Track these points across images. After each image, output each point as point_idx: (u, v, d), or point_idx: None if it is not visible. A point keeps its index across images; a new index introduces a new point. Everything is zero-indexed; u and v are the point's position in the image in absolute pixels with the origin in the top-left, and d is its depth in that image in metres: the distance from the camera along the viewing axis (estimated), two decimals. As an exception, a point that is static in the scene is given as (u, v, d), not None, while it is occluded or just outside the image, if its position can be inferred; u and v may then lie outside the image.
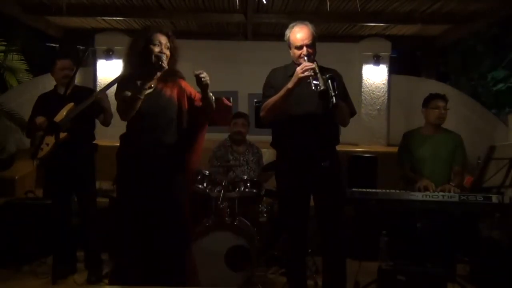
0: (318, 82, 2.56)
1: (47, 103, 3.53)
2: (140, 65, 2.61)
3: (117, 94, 2.64)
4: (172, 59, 2.71)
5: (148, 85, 2.59)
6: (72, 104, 3.40)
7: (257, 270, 3.56)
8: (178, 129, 2.69)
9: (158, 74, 2.61)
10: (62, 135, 3.36)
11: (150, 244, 2.60)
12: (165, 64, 2.58)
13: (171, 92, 2.69)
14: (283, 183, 2.93)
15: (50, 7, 5.19)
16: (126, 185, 2.71)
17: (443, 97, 3.64)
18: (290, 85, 2.64)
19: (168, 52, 2.67)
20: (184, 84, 2.76)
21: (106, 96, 3.45)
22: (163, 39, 2.67)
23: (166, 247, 2.61)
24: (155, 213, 2.60)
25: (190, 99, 2.73)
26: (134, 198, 2.63)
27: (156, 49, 2.61)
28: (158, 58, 2.57)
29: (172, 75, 2.73)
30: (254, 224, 3.67)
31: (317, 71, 2.60)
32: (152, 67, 2.57)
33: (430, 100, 3.64)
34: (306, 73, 2.58)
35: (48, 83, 5.38)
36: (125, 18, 5.93)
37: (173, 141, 2.66)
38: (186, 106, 2.72)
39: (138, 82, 2.55)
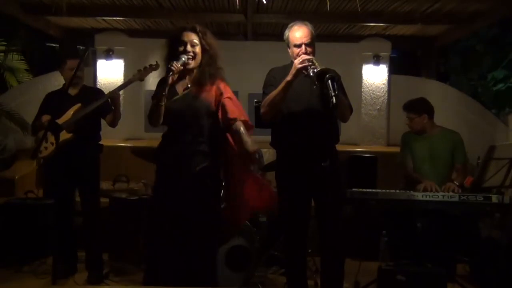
0: (316, 70, 2.56)
1: (55, 102, 3.52)
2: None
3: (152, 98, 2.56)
4: (206, 57, 2.54)
5: (183, 88, 2.51)
6: (79, 105, 3.40)
7: (257, 270, 3.56)
8: (211, 133, 2.54)
9: (174, 76, 2.49)
10: (68, 135, 3.37)
11: (182, 247, 2.50)
12: (175, 66, 2.42)
13: (206, 94, 2.52)
14: (283, 183, 2.93)
15: (50, 7, 5.18)
16: (160, 189, 2.59)
17: (406, 108, 3.68)
18: (289, 77, 2.65)
19: (197, 50, 2.52)
20: (223, 86, 2.56)
21: (119, 95, 3.46)
22: (190, 36, 2.52)
23: (199, 251, 2.51)
24: (188, 216, 2.50)
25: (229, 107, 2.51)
26: (168, 202, 2.52)
27: (181, 49, 2.48)
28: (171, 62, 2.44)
29: (207, 76, 2.54)
30: (254, 224, 3.67)
31: (315, 62, 2.60)
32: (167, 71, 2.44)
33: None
34: (304, 63, 2.59)
35: (48, 83, 5.42)
36: (125, 18, 5.94)
37: (204, 145, 2.51)
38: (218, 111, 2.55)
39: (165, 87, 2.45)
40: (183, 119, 2.51)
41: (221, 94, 2.52)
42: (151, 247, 2.60)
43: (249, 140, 2.43)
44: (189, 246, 2.51)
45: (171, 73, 2.42)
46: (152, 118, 2.52)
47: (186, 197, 2.49)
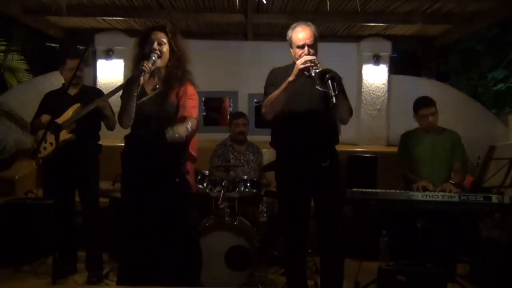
0: (318, 70, 2.56)
1: (54, 102, 3.52)
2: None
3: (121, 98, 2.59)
4: (173, 57, 2.57)
5: (151, 87, 2.52)
6: (79, 105, 3.40)
7: (257, 270, 3.56)
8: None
9: (146, 76, 2.48)
10: (68, 136, 3.37)
11: (155, 244, 2.55)
12: (146, 66, 2.43)
13: (175, 96, 2.57)
14: (283, 183, 2.93)
15: (50, 7, 5.19)
16: (129, 186, 2.65)
17: (429, 103, 3.61)
18: (291, 77, 2.65)
19: (164, 49, 2.54)
20: (190, 89, 2.60)
21: (108, 103, 3.45)
22: (158, 35, 2.55)
23: (171, 247, 2.56)
24: (158, 213, 2.56)
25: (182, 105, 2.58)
26: (137, 199, 2.58)
27: (148, 47, 2.51)
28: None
29: (175, 77, 2.57)
30: (254, 224, 3.67)
31: (317, 62, 2.60)
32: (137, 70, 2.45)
33: (417, 108, 3.63)
34: (306, 64, 2.59)
35: (48, 83, 5.41)
36: (125, 18, 5.94)
37: (174, 144, 2.53)
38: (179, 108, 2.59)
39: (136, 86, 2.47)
40: (152, 120, 2.53)
41: (186, 95, 2.57)
42: (126, 245, 2.65)
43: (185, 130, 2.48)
44: (160, 240, 2.55)
45: (143, 73, 2.43)
46: (123, 118, 2.54)
47: (157, 196, 2.54)
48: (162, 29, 2.58)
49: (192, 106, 2.57)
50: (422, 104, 3.62)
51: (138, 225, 2.57)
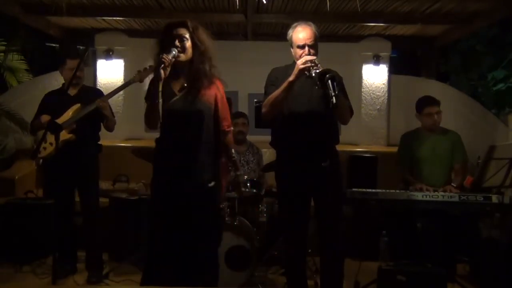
0: (319, 70, 2.56)
1: (54, 102, 3.51)
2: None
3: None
4: (197, 52, 2.46)
5: (179, 87, 2.45)
6: (79, 105, 3.40)
7: (257, 270, 3.56)
8: (214, 134, 2.50)
9: (167, 71, 2.34)
10: (68, 136, 3.37)
11: (183, 245, 2.48)
12: (166, 58, 2.30)
13: (206, 94, 2.47)
14: (283, 183, 2.93)
15: (50, 7, 5.18)
16: (159, 188, 2.54)
17: (433, 102, 3.61)
18: (291, 77, 2.65)
19: (187, 44, 2.43)
20: (220, 86, 2.55)
21: (108, 104, 3.45)
22: (179, 31, 2.44)
23: (199, 248, 2.49)
24: (187, 217, 2.47)
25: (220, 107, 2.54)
26: (167, 201, 2.49)
27: (170, 44, 2.40)
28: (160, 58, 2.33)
29: (203, 73, 2.47)
30: (254, 224, 3.67)
31: (317, 62, 2.61)
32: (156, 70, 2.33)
33: (422, 107, 3.63)
34: (307, 64, 2.59)
35: (48, 83, 5.41)
36: (125, 18, 5.94)
37: (204, 144, 2.47)
38: (217, 112, 2.53)
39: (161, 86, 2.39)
40: (184, 121, 2.44)
41: (219, 95, 2.52)
42: (152, 247, 2.57)
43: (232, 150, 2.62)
44: (190, 247, 2.49)
45: (162, 65, 2.30)
46: (149, 119, 2.47)
47: (189, 201, 2.46)
48: (183, 24, 2.47)
49: (225, 114, 2.57)
50: (427, 102, 3.62)
51: (166, 227, 2.48)
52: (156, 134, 2.62)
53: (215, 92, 2.51)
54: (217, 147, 2.53)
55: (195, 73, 2.46)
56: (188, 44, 2.46)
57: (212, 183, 2.50)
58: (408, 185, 3.56)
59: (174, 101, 2.47)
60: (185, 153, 2.45)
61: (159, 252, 2.51)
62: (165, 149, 2.52)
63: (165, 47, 2.41)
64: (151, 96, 2.41)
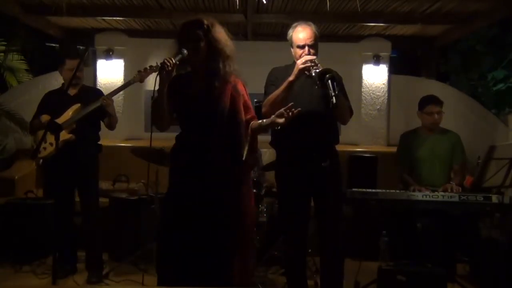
0: (318, 70, 2.56)
1: (54, 102, 3.52)
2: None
3: None
4: (211, 52, 2.39)
5: (194, 88, 2.39)
6: (79, 105, 3.40)
7: (257, 270, 3.56)
8: (229, 133, 2.41)
9: (170, 72, 2.32)
10: (67, 136, 3.37)
11: (198, 243, 2.38)
12: (167, 62, 2.29)
13: (221, 94, 2.39)
14: (283, 183, 2.93)
15: (50, 7, 5.18)
16: (177, 185, 2.48)
17: (436, 101, 3.61)
18: (291, 78, 2.65)
19: (201, 44, 2.37)
20: (240, 87, 2.46)
21: (112, 101, 3.45)
22: (194, 31, 2.37)
23: (215, 247, 2.39)
24: (204, 213, 2.38)
25: (244, 107, 2.46)
26: (184, 199, 2.41)
27: (184, 45, 2.34)
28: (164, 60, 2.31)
29: (216, 73, 2.40)
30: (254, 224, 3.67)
31: (317, 62, 2.61)
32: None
33: (424, 104, 3.62)
34: (307, 64, 2.59)
35: (48, 83, 5.41)
36: (125, 18, 5.93)
37: (221, 145, 2.38)
38: (239, 109, 2.43)
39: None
40: (199, 121, 2.40)
41: (239, 94, 2.44)
42: (166, 247, 2.47)
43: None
44: (207, 246, 2.38)
45: (163, 69, 2.28)
46: (157, 121, 2.43)
47: (207, 199, 2.38)
48: (197, 24, 2.40)
49: (250, 108, 2.50)
50: (430, 101, 3.62)
51: (182, 225, 2.39)
52: (158, 135, 2.60)
53: (230, 92, 2.43)
54: (235, 146, 2.42)
55: (209, 73, 2.42)
56: (202, 44, 2.38)
57: (223, 188, 2.40)
58: (406, 185, 3.56)
59: (189, 101, 2.43)
60: (199, 153, 2.40)
61: (171, 251, 2.42)
62: (180, 148, 2.48)
63: (181, 47, 2.37)
64: (156, 98, 2.37)
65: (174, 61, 2.31)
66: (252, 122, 2.47)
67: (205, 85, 2.41)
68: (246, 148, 2.42)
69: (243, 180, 2.48)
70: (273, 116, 2.36)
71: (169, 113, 2.45)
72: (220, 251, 2.40)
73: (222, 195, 2.39)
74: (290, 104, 2.32)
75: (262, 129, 2.46)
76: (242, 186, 2.47)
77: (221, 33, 2.45)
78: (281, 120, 2.32)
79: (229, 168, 2.40)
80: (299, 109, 2.34)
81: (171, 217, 2.45)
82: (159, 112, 2.40)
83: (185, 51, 2.34)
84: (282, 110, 2.33)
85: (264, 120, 2.44)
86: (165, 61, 2.30)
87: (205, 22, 2.41)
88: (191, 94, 2.44)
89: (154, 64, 3.07)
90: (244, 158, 2.40)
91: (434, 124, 3.60)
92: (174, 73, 2.39)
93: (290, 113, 2.30)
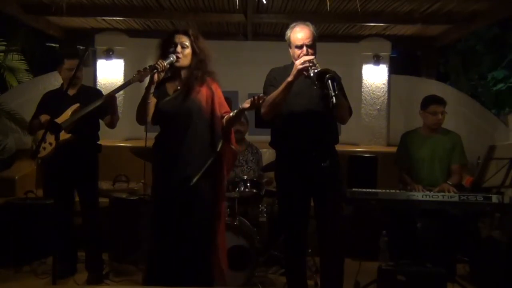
0: (317, 70, 2.56)
1: (53, 102, 3.51)
2: None
3: None
4: (195, 60, 2.65)
5: (173, 89, 2.63)
6: (78, 105, 3.40)
7: (257, 270, 3.56)
8: (203, 131, 2.61)
9: (161, 74, 2.57)
10: (66, 136, 3.37)
11: (177, 245, 2.56)
12: (160, 64, 2.50)
13: (196, 95, 2.62)
14: (283, 183, 2.93)
15: (50, 7, 5.19)
16: (156, 185, 2.69)
17: (440, 101, 3.60)
18: (290, 78, 2.65)
19: (186, 52, 2.62)
20: (215, 87, 2.68)
21: (115, 98, 3.47)
22: (181, 39, 2.63)
23: (193, 249, 2.57)
24: (182, 215, 2.56)
25: (219, 104, 2.67)
26: (160, 198, 2.64)
27: (171, 50, 2.59)
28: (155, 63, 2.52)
29: (195, 77, 2.64)
30: (254, 224, 3.67)
31: (316, 62, 2.60)
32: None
33: (428, 104, 3.61)
34: (305, 64, 2.59)
35: (48, 83, 5.42)
36: (125, 18, 5.94)
37: (197, 143, 2.59)
38: (213, 106, 2.65)
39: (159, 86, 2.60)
40: (175, 119, 2.61)
41: (213, 94, 2.65)
42: (153, 248, 2.65)
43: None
44: (187, 247, 2.55)
45: (155, 70, 2.49)
46: (138, 115, 2.66)
47: (183, 196, 2.55)
48: (185, 32, 2.66)
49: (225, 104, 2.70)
50: (435, 100, 3.61)
51: (164, 225, 2.59)
52: (155, 134, 2.74)
53: (205, 90, 2.65)
54: (211, 144, 2.62)
55: (188, 77, 2.65)
56: (188, 51, 2.64)
57: (196, 179, 2.56)
58: (405, 185, 3.56)
59: (166, 101, 2.66)
60: (174, 150, 2.59)
61: (155, 251, 2.61)
62: (159, 146, 2.69)
63: (165, 52, 2.61)
64: (143, 96, 2.60)
65: (165, 64, 2.54)
66: (226, 116, 2.66)
67: (184, 87, 2.65)
68: (221, 140, 2.62)
69: (218, 169, 2.66)
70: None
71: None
72: (198, 235, 2.58)
73: (197, 183, 2.56)
74: (260, 95, 2.48)
75: (233, 118, 2.64)
76: (217, 173, 2.67)
77: (203, 43, 2.72)
78: (247, 105, 2.50)
79: (204, 160, 2.59)
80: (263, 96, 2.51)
81: (156, 211, 2.64)
82: (143, 109, 2.61)
83: (174, 57, 2.58)
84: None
85: (234, 111, 2.64)
86: (158, 63, 2.52)
87: (191, 32, 2.68)
88: (167, 94, 2.68)
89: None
90: (218, 150, 2.61)
91: (437, 124, 3.60)
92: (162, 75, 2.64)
93: (256, 101, 2.48)
